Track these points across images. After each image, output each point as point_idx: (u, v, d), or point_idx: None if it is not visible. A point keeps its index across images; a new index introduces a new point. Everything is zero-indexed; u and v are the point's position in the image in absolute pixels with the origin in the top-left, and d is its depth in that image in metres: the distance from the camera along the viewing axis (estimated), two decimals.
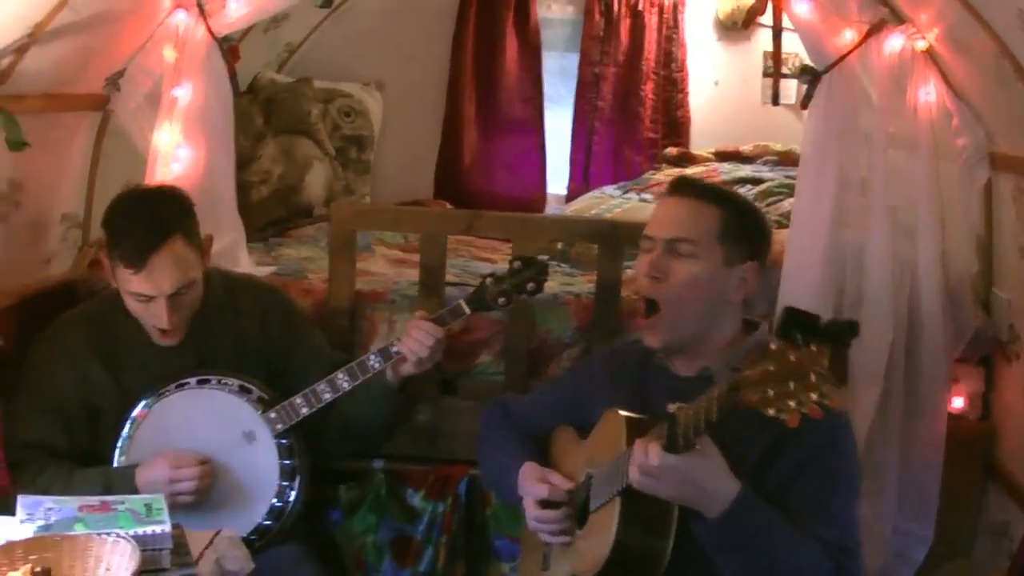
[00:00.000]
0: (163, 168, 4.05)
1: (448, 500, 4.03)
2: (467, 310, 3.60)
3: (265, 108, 6.03)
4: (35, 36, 3.44)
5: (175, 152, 4.05)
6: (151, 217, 3.43)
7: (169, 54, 4.05)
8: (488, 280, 3.61)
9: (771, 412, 2.16)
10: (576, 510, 2.95)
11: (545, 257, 4.88)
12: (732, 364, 2.80)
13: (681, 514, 2.64)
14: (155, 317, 3.45)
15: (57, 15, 3.43)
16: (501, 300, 3.60)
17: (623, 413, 2.85)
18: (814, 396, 2.12)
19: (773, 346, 2.21)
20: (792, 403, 2.14)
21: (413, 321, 3.56)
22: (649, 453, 2.48)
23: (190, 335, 3.59)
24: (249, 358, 3.68)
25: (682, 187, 2.98)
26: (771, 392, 2.17)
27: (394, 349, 3.54)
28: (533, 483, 3.04)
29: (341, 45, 6.73)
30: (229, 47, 4.12)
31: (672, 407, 2.48)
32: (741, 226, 2.89)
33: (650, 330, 2.90)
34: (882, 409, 3.84)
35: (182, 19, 4.03)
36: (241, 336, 3.69)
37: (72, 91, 4.03)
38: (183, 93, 4.05)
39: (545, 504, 3.01)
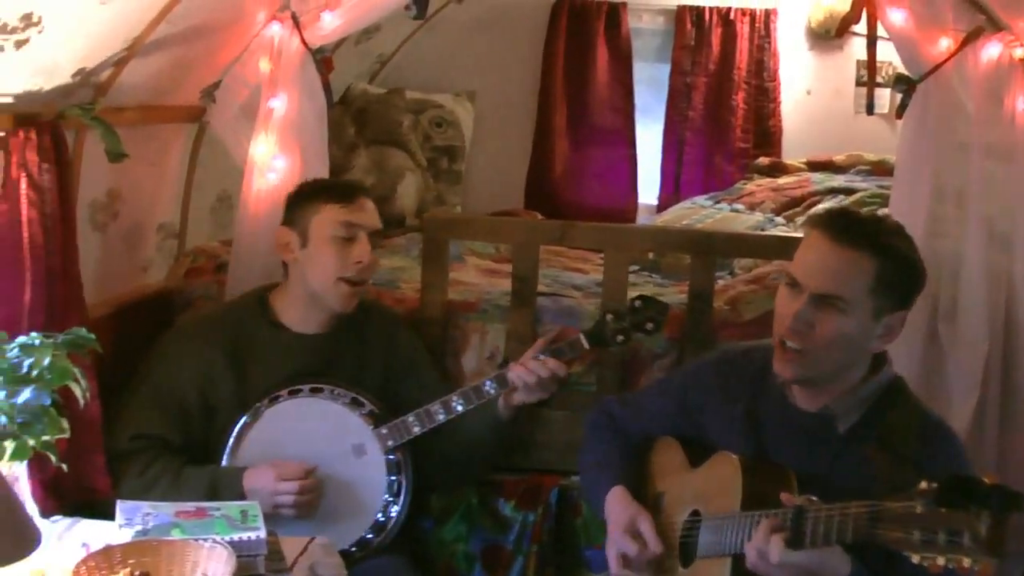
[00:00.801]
0: (259, 178, 4.09)
1: (539, 510, 4.01)
2: (586, 345, 3.62)
3: (357, 119, 6.08)
4: (134, 49, 3.49)
5: (271, 162, 4.09)
6: (355, 181, 3.79)
7: (264, 66, 4.09)
8: (608, 317, 3.63)
9: (916, 559, 2.11)
10: (680, 547, 2.92)
11: (636, 267, 4.87)
12: (856, 406, 2.77)
13: None
14: (357, 254, 3.61)
15: (155, 28, 3.47)
16: (619, 338, 3.62)
17: (738, 459, 2.79)
18: (966, 562, 2.06)
19: (923, 485, 2.14)
20: (941, 559, 2.07)
21: (530, 352, 3.61)
22: (771, 548, 2.44)
23: (319, 341, 3.69)
24: (370, 372, 3.74)
25: (840, 231, 2.72)
26: (917, 536, 2.11)
27: (511, 376, 3.56)
28: (623, 536, 2.98)
29: (432, 56, 6.76)
30: (323, 58, 4.15)
31: (800, 500, 2.45)
32: (896, 279, 2.72)
33: (786, 363, 2.76)
34: (978, 420, 3.78)
35: (277, 31, 4.06)
36: (365, 356, 3.76)
37: (169, 103, 4.09)
38: (279, 104, 4.08)
39: (627, 560, 2.98)
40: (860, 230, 2.74)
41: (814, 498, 2.43)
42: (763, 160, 6.55)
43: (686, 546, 2.89)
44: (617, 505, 3.05)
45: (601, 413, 3.44)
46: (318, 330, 3.70)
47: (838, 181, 5.98)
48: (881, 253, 2.69)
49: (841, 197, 5.65)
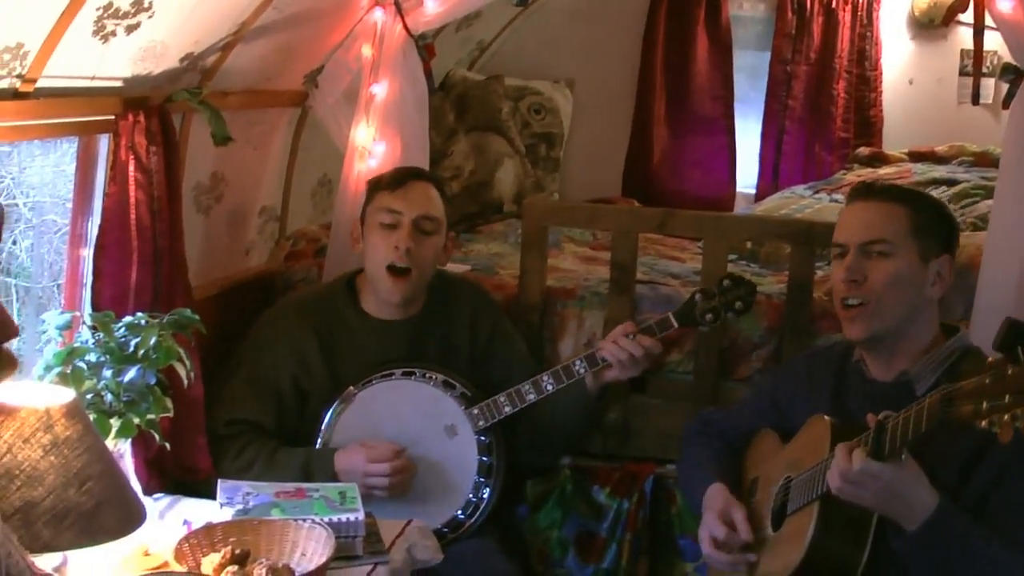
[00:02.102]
0: (360, 163, 4.12)
1: (634, 498, 4.01)
2: (675, 323, 3.64)
3: (457, 105, 6.09)
4: (240, 34, 3.53)
5: (372, 147, 4.12)
6: (416, 168, 3.81)
7: (367, 51, 4.12)
8: (697, 296, 3.65)
9: (983, 424, 2.14)
10: (772, 515, 2.93)
11: (734, 256, 4.84)
12: (932, 369, 2.79)
13: (877, 528, 2.60)
14: (396, 243, 3.58)
15: (261, 14, 3.50)
16: (708, 316, 3.64)
17: (828, 419, 2.83)
18: None
19: (991, 359, 2.18)
20: (1006, 416, 2.10)
21: (622, 327, 3.63)
22: (853, 458, 2.47)
23: (404, 327, 3.71)
24: (455, 354, 3.76)
25: (866, 191, 2.98)
26: (985, 405, 2.14)
27: (600, 355, 3.57)
28: (715, 520, 3.00)
29: (532, 43, 6.75)
30: (425, 45, 4.17)
31: (881, 416, 2.47)
32: (931, 221, 2.88)
33: (852, 321, 2.86)
34: None
35: (379, 17, 4.09)
36: (450, 333, 3.79)
37: (273, 87, 4.13)
38: (380, 90, 4.11)
39: (720, 544, 2.99)
40: (885, 187, 3.02)
41: (892, 413, 2.46)
42: (864, 150, 6.46)
43: (779, 512, 2.91)
44: (715, 495, 3.07)
45: (698, 420, 3.49)
46: (398, 317, 3.73)
47: (940, 172, 5.89)
48: (909, 201, 2.91)
49: (943, 188, 5.56)
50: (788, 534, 2.81)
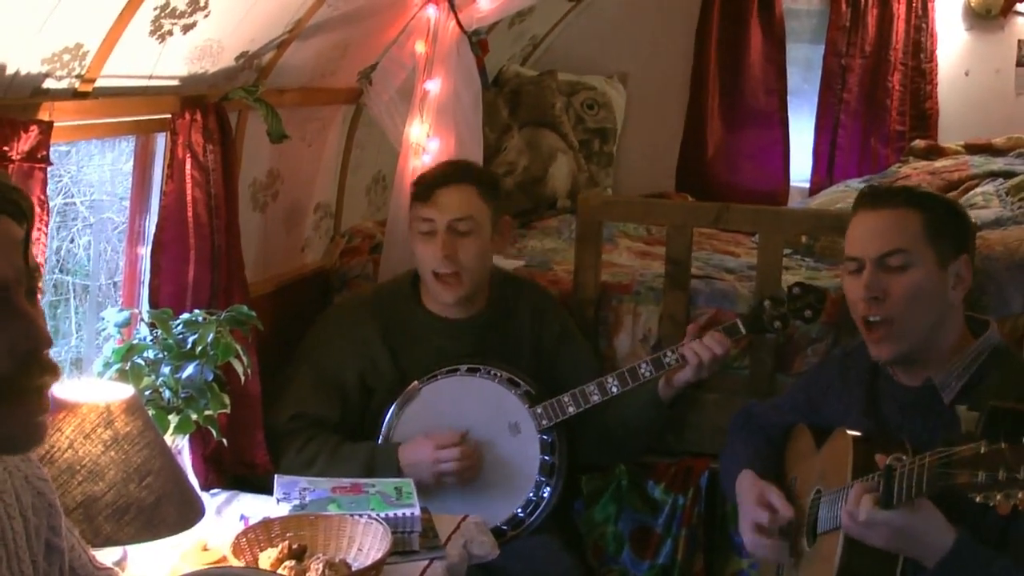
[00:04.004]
0: (414, 159, 4.13)
1: (689, 493, 4.00)
2: (743, 330, 3.64)
3: (510, 100, 6.10)
4: (295, 32, 3.54)
5: (426, 144, 4.13)
6: (452, 165, 3.77)
7: (420, 48, 4.14)
8: (766, 303, 3.65)
9: (979, 499, 2.12)
10: (807, 527, 2.91)
11: (789, 251, 4.82)
12: (957, 376, 2.77)
13: (904, 560, 2.57)
14: (434, 254, 3.58)
15: (316, 11, 3.52)
16: (777, 324, 3.64)
17: (851, 434, 2.79)
18: (1021, 495, 2.06)
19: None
20: (999, 495, 2.08)
21: (686, 339, 3.63)
22: (861, 506, 2.45)
23: (468, 325, 3.72)
24: (519, 353, 3.77)
25: (873, 198, 2.89)
26: (981, 476, 2.11)
27: (667, 360, 3.58)
28: (753, 505, 2.97)
29: (585, 38, 6.74)
30: (479, 41, 4.18)
31: (889, 459, 2.44)
32: (945, 222, 2.80)
33: (878, 343, 2.82)
34: None
35: (433, 13, 4.11)
36: (516, 331, 3.80)
37: (328, 85, 4.14)
38: (434, 86, 4.12)
39: (762, 529, 2.96)
40: (893, 192, 2.94)
41: (903, 457, 2.41)
42: (919, 143, 6.40)
43: (812, 525, 2.89)
44: (746, 483, 3.05)
45: (740, 414, 3.47)
46: (462, 316, 3.74)
47: (997, 164, 5.83)
48: (919, 205, 2.81)
49: (1000, 181, 5.52)
50: (820, 554, 2.79)
